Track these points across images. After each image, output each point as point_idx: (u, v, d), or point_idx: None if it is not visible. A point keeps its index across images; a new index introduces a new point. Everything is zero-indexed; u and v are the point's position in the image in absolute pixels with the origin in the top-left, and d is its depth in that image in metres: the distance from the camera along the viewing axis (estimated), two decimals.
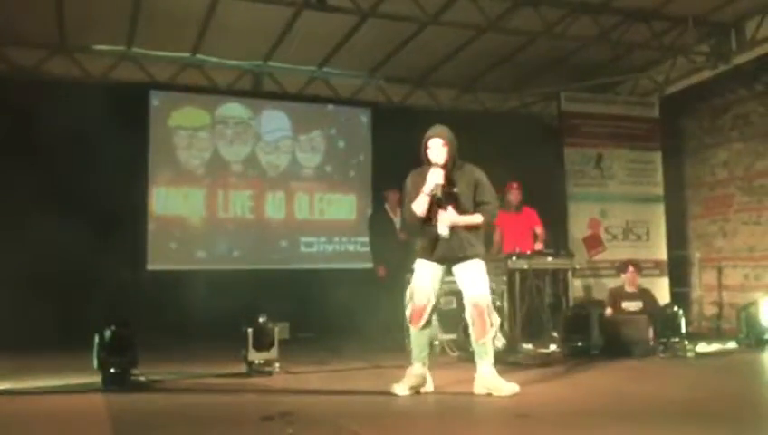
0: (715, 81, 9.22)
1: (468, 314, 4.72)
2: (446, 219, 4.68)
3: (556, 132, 9.81)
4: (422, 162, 4.83)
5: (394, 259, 7.56)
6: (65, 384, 5.14)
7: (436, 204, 4.70)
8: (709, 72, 9.10)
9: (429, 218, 4.74)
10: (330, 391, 4.82)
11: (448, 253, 4.72)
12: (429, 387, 4.76)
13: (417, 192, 4.74)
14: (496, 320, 4.75)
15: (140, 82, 8.98)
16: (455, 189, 4.74)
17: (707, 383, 5.34)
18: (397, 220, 8.07)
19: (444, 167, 4.73)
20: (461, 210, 4.73)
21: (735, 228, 9.50)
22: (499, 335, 6.46)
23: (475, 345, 4.72)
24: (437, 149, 4.77)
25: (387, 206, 8.33)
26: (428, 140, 4.82)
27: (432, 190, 4.67)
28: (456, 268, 4.76)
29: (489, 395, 4.53)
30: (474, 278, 4.71)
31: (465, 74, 9.77)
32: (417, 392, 4.67)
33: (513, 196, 8.10)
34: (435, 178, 4.69)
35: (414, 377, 4.68)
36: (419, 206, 4.72)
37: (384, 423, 3.91)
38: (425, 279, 4.76)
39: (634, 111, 9.95)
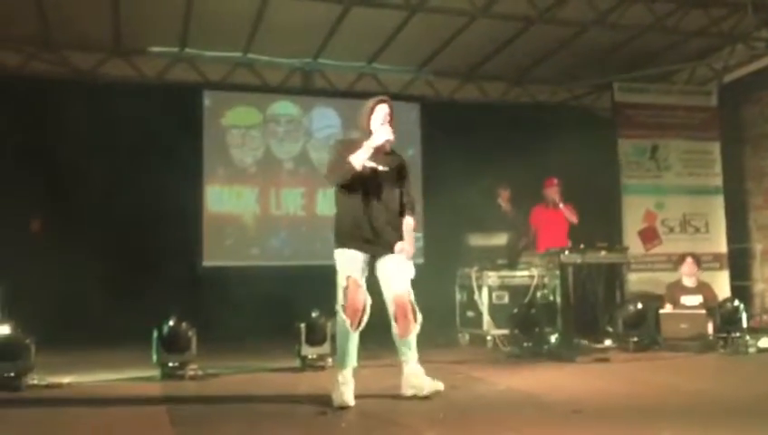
0: None
1: (390, 311, 4.33)
2: (407, 252, 4.32)
3: (609, 124, 9.62)
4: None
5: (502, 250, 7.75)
6: (124, 378, 5.30)
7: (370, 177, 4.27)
8: None
9: (366, 195, 4.25)
10: (382, 386, 4.83)
11: (378, 244, 4.28)
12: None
13: (344, 160, 4.23)
14: (419, 316, 4.36)
15: (194, 83, 9.16)
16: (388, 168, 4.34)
17: None
18: (510, 214, 8.46)
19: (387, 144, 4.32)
20: (393, 191, 4.37)
21: None
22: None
23: (398, 342, 4.35)
24: (386, 119, 4.35)
25: (500, 201, 8.53)
26: (378, 104, 4.37)
27: (378, 143, 4.24)
28: (381, 261, 4.32)
29: (414, 396, 4.27)
30: (397, 271, 4.31)
31: (514, 67, 9.65)
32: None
33: (553, 192, 8.02)
34: (385, 133, 4.27)
35: (350, 384, 4.23)
36: (357, 159, 4.20)
37: (438, 418, 3.91)
38: (359, 274, 4.25)
39: (691, 100, 9.68)
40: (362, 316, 4.25)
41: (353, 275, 4.25)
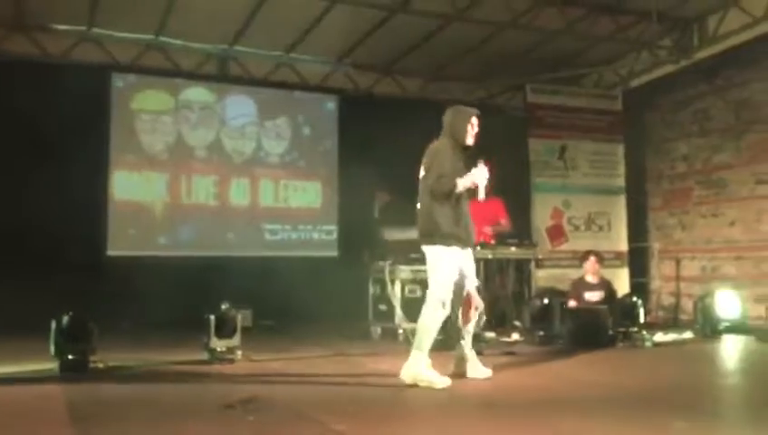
0: (677, 75, 9.37)
1: (459, 301, 4.71)
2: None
3: (521, 123, 9.88)
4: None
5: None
6: (21, 371, 5.05)
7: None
8: (672, 66, 9.24)
9: (460, 200, 4.70)
10: (292, 379, 4.80)
11: (468, 241, 4.74)
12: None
13: (453, 168, 4.68)
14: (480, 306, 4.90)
15: (102, 64, 8.78)
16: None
17: (663, 372, 5.45)
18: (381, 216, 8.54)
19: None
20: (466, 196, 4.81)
21: (694, 221, 9.70)
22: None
23: (462, 331, 4.77)
24: (475, 131, 4.82)
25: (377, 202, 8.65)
26: (476, 117, 4.83)
27: (476, 185, 4.73)
28: (465, 254, 4.75)
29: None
30: (473, 266, 4.85)
31: (432, 63, 9.77)
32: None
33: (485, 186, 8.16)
34: (485, 174, 4.78)
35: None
36: (462, 183, 4.67)
37: (346, 410, 3.91)
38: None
39: (598, 103, 10.07)
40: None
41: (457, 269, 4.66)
